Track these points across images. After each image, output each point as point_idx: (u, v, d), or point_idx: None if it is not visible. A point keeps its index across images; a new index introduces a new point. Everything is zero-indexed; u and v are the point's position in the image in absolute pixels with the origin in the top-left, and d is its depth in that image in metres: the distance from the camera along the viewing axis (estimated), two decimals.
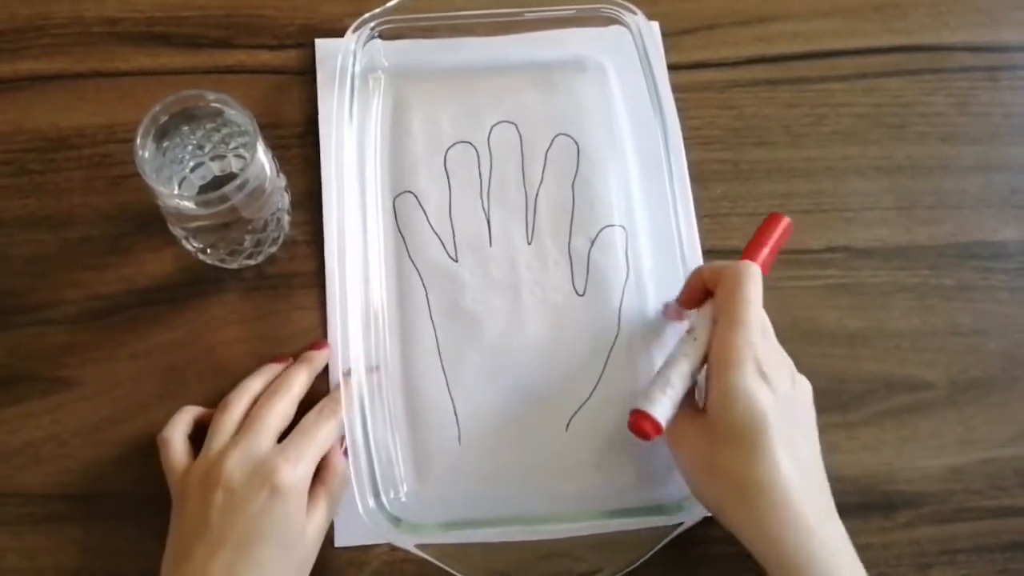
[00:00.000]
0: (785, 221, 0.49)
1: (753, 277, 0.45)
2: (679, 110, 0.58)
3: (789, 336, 0.53)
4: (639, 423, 0.44)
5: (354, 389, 0.48)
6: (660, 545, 0.47)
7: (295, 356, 0.52)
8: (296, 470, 0.44)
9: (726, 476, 0.43)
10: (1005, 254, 0.57)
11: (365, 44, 0.57)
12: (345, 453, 0.48)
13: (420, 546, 0.46)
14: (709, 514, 0.48)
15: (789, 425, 0.43)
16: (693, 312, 0.49)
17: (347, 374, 0.48)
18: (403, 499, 0.49)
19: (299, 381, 0.49)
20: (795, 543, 0.41)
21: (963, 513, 0.51)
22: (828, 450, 0.51)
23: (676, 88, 0.58)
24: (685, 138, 0.57)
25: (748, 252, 0.48)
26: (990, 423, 0.53)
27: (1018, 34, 0.64)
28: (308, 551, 0.45)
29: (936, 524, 0.51)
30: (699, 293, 0.48)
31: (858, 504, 0.51)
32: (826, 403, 0.53)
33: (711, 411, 0.43)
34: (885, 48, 0.63)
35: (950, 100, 0.61)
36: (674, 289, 0.51)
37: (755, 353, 0.43)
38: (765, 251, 0.48)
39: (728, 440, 0.43)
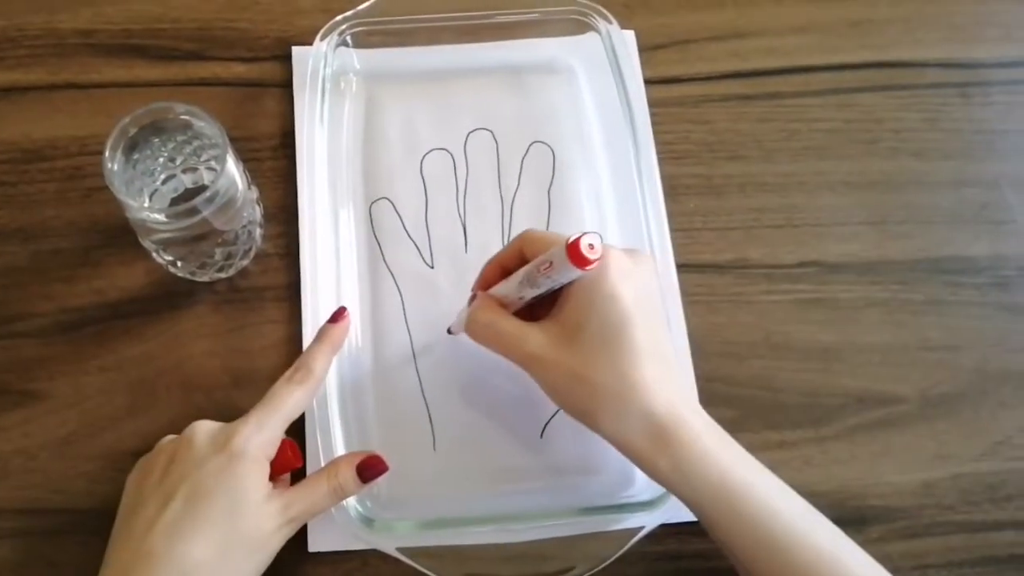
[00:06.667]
0: None
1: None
2: (653, 124, 0.58)
3: (761, 350, 0.54)
4: None
5: (329, 395, 0.48)
6: (631, 543, 0.47)
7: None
8: (255, 437, 0.43)
9: (591, 383, 0.42)
10: (975, 269, 0.57)
11: (336, 48, 0.57)
12: (291, 451, 0.46)
13: (396, 549, 0.46)
14: (682, 519, 0.48)
15: (650, 318, 0.43)
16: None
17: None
18: (377, 502, 0.49)
19: (319, 364, 0.46)
20: (662, 434, 0.42)
21: (935, 528, 0.51)
22: (800, 465, 0.52)
23: (650, 103, 0.59)
24: (658, 152, 0.58)
25: None
26: (961, 438, 0.53)
27: (990, 51, 0.64)
28: (260, 529, 0.42)
29: (908, 539, 0.51)
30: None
31: (830, 519, 0.51)
32: (799, 418, 0.53)
33: (569, 316, 0.43)
34: (859, 64, 0.63)
35: (922, 116, 0.62)
36: None
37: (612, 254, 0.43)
38: None
39: (591, 344, 0.42)
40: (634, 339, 0.42)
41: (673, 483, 0.42)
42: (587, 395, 0.43)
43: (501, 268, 0.47)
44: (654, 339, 0.43)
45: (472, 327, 0.47)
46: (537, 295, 0.44)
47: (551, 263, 0.41)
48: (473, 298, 0.49)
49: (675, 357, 0.45)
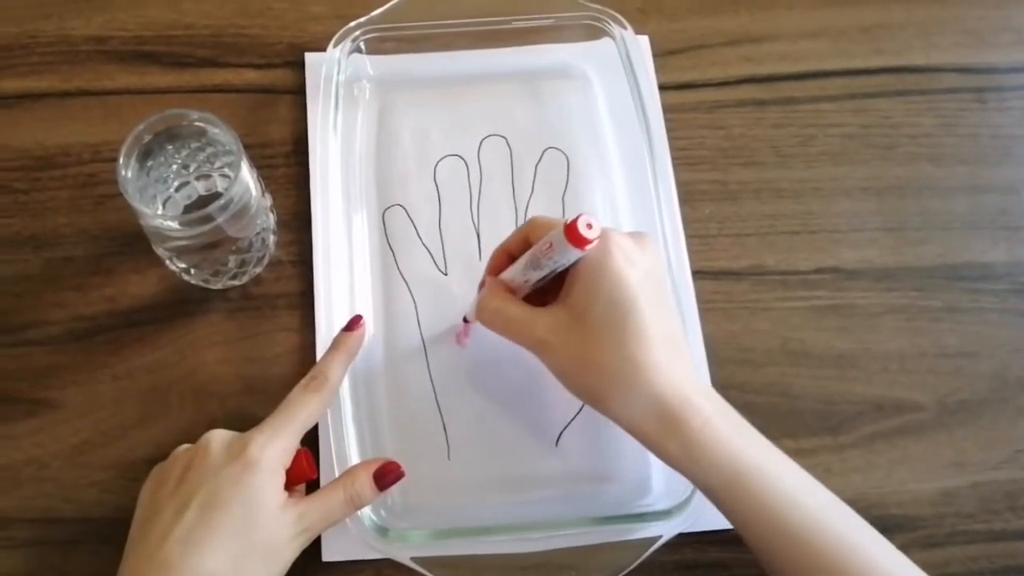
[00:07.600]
0: None
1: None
2: (667, 130, 0.58)
3: (778, 357, 0.54)
4: None
5: (342, 404, 0.48)
6: (648, 553, 0.46)
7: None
8: (271, 446, 0.43)
9: (598, 366, 0.42)
10: (993, 275, 0.57)
11: (350, 54, 0.57)
12: (306, 461, 0.46)
13: (410, 558, 0.46)
14: (700, 529, 0.47)
15: (656, 301, 0.43)
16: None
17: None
18: (391, 511, 0.49)
19: (335, 373, 0.47)
20: (671, 418, 0.41)
21: (955, 537, 0.51)
22: (819, 473, 0.51)
23: (664, 108, 0.59)
24: (673, 158, 0.57)
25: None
26: (980, 446, 0.53)
27: (1006, 55, 0.64)
28: (275, 539, 0.42)
29: (928, 548, 0.51)
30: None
31: None
32: (816, 425, 0.53)
33: (576, 300, 0.43)
34: (874, 69, 0.63)
35: (938, 121, 0.61)
36: None
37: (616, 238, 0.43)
38: None
39: (598, 327, 0.42)
40: (640, 322, 0.42)
41: (683, 467, 0.42)
42: (595, 379, 0.42)
43: (508, 255, 0.48)
44: (661, 321, 0.42)
45: (481, 313, 0.46)
46: (542, 278, 0.44)
47: (551, 244, 0.41)
48: (483, 284, 0.48)
49: (685, 340, 0.45)
